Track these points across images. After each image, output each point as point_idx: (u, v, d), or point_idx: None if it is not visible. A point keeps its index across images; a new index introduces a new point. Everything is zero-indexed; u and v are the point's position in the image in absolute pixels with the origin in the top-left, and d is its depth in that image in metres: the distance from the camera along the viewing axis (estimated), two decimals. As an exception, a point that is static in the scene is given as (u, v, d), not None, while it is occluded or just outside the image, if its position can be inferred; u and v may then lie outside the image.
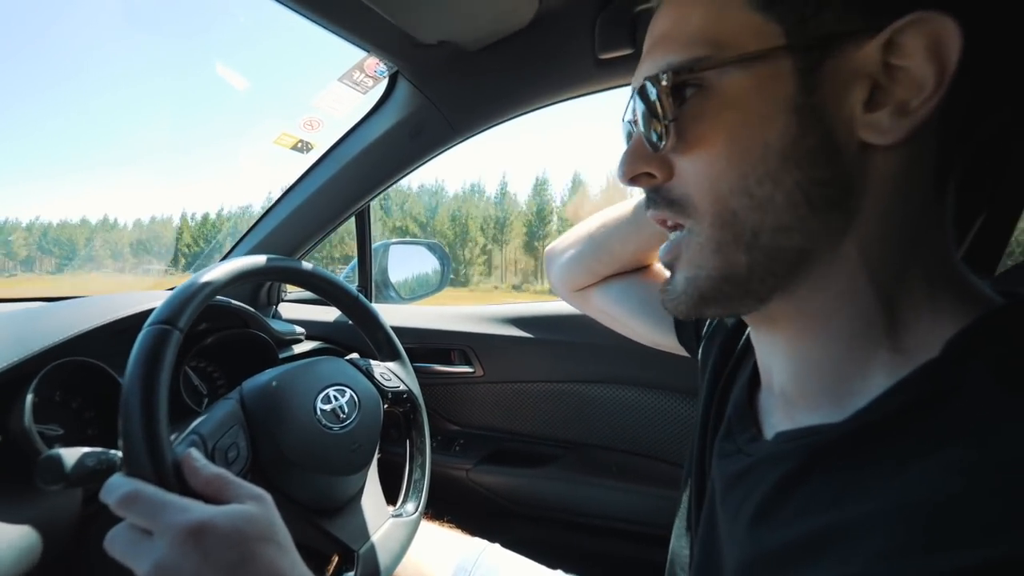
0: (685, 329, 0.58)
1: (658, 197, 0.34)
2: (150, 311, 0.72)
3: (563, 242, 0.69)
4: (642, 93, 0.32)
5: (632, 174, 0.34)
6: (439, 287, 1.43)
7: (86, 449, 0.47)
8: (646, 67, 0.33)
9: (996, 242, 0.71)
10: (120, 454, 0.49)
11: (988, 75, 0.28)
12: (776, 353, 0.35)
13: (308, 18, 0.68)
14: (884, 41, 0.26)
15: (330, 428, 0.61)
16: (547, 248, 0.72)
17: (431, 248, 1.46)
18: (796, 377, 0.34)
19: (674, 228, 0.34)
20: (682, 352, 0.60)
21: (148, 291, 1.04)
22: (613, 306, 0.66)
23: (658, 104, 0.31)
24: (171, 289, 1.11)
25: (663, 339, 0.61)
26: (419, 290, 1.42)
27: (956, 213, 0.30)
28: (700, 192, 0.31)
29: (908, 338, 0.29)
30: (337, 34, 0.72)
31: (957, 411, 0.25)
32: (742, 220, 0.30)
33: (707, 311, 0.33)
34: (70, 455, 0.45)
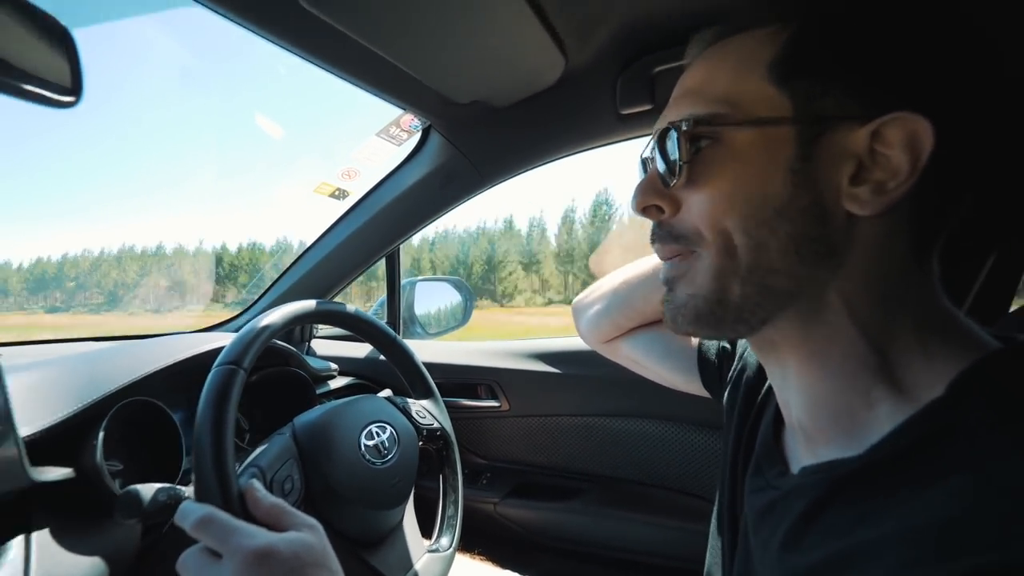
0: (709, 374, 0.61)
1: (663, 232, 0.38)
2: (206, 353, 0.78)
3: (589, 296, 0.73)
4: (664, 135, 0.36)
5: (643, 205, 0.38)
6: (463, 321, 1.47)
7: (158, 485, 0.51)
8: (671, 113, 0.38)
9: (1007, 281, 0.73)
10: (186, 490, 0.53)
11: (958, 167, 0.33)
12: (789, 387, 0.39)
13: (351, 82, 0.75)
14: (872, 130, 0.31)
15: (373, 463, 0.65)
16: (574, 302, 0.76)
17: (455, 284, 1.51)
18: (809, 411, 0.37)
19: (672, 258, 0.39)
20: (706, 394, 0.63)
21: (198, 334, 1.11)
22: (640, 355, 0.69)
23: (676, 147, 0.35)
24: (209, 329, 1.17)
25: (689, 384, 0.64)
26: (444, 325, 1.46)
27: (954, 270, 0.34)
28: (705, 225, 0.35)
29: (906, 378, 0.33)
30: (377, 95, 0.79)
31: (960, 445, 0.28)
32: (740, 255, 0.34)
33: (701, 330, 0.37)
34: (146, 491, 0.49)
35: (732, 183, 0.34)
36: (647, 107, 0.75)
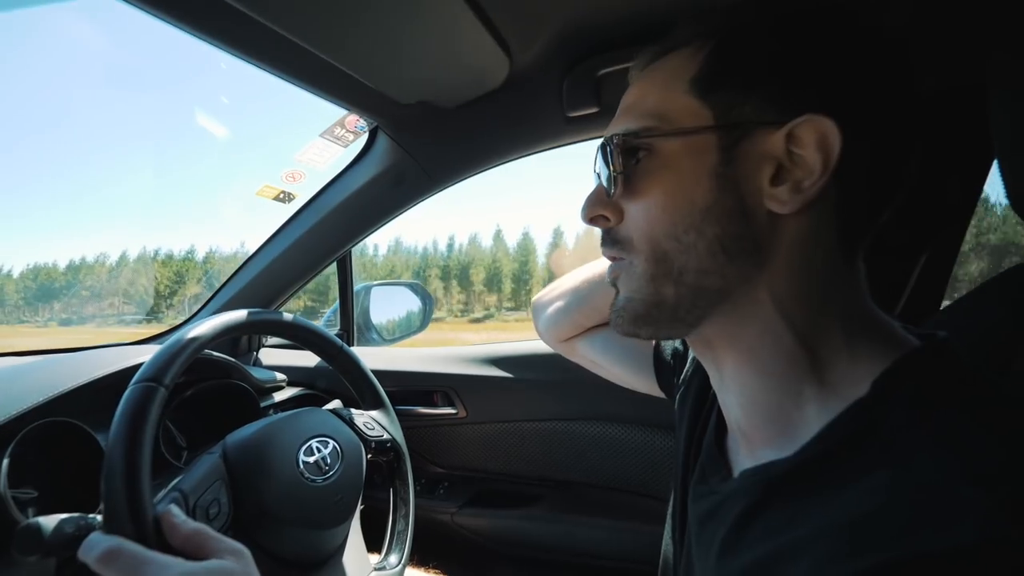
0: (664, 375, 0.61)
1: (608, 238, 0.40)
2: (132, 367, 0.73)
3: (549, 294, 0.73)
4: (604, 149, 0.39)
5: (590, 215, 0.41)
6: (421, 327, 1.44)
7: (64, 516, 0.47)
8: (610, 130, 0.40)
9: (939, 278, 0.76)
10: (99, 518, 0.49)
11: (879, 167, 0.35)
12: (726, 388, 0.40)
13: (289, 82, 0.72)
14: (786, 133, 0.34)
15: (313, 480, 0.62)
16: (534, 299, 0.76)
17: (412, 289, 1.47)
18: (745, 410, 0.38)
19: (616, 260, 0.41)
20: (662, 395, 0.63)
21: (129, 346, 1.04)
22: (598, 355, 0.69)
23: (613, 160, 0.38)
24: (145, 341, 1.10)
25: (645, 384, 0.65)
26: (401, 331, 1.43)
27: (888, 269, 0.35)
28: (639, 233, 0.37)
29: (831, 375, 0.34)
30: (319, 96, 0.76)
31: (881, 443, 0.30)
32: (671, 259, 0.36)
33: (640, 330, 0.39)
34: (48, 523, 0.45)
35: (663, 190, 0.36)
36: (594, 110, 0.75)
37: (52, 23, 31.37)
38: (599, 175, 0.41)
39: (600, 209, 0.40)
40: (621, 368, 0.67)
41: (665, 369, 0.61)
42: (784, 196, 0.34)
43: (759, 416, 0.37)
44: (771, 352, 0.36)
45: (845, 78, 0.34)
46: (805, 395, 0.35)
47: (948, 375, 0.32)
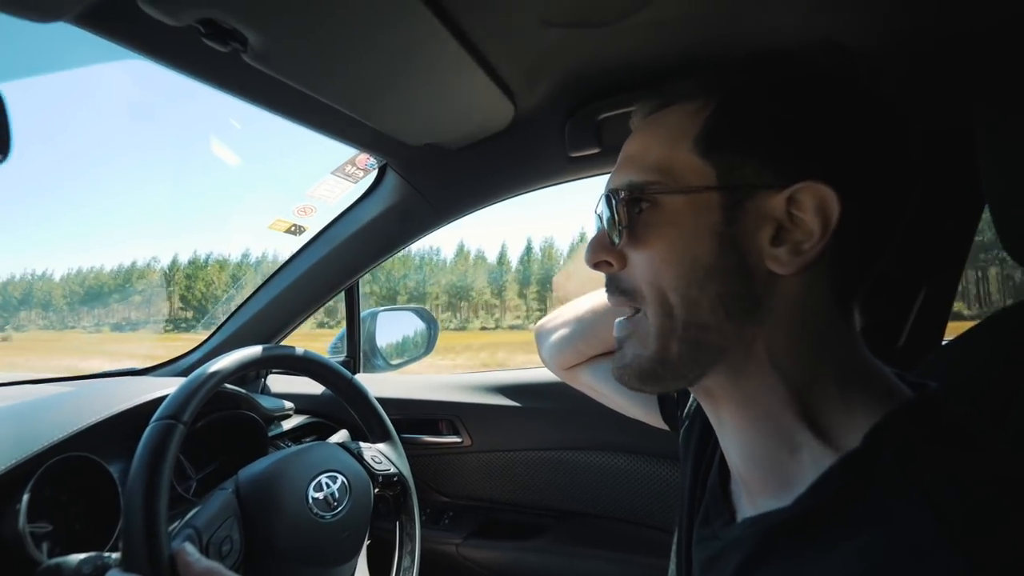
0: (667, 407, 0.62)
1: (613, 284, 0.41)
2: (147, 403, 0.74)
3: (552, 321, 0.74)
4: (608, 201, 0.40)
5: (594, 260, 0.42)
6: (427, 351, 1.45)
7: (82, 556, 0.48)
8: (616, 178, 0.41)
9: (939, 312, 0.77)
10: (114, 555, 0.50)
11: (873, 227, 0.36)
12: (726, 436, 0.41)
13: (305, 127, 0.75)
14: (787, 196, 0.35)
15: (322, 517, 0.63)
16: (536, 325, 0.76)
17: (418, 313, 1.49)
18: (743, 458, 0.39)
19: (635, 312, 0.41)
20: (665, 426, 0.64)
21: (143, 376, 1.06)
22: (601, 384, 0.70)
23: (618, 212, 0.39)
24: (159, 367, 1.12)
25: (649, 415, 0.65)
26: (407, 355, 1.44)
27: (888, 308, 0.36)
28: (645, 284, 0.38)
29: (827, 428, 0.35)
30: (332, 139, 0.79)
31: (870, 502, 0.30)
32: (676, 314, 0.37)
33: (646, 387, 0.40)
34: (68, 564, 0.47)
35: (667, 245, 0.37)
36: (595, 150, 0.77)
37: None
38: (602, 220, 0.42)
39: (604, 255, 0.41)
40: (625, 398, 0.68)
41: (669, 402, 0.62)
42: (784, 257, 0.35)
43: (755, 464, 0.38)
44: (766, 404, 0.37)
45: (843, 145, 0.35)
46: (799, 443, 0.35)
47: (938, 430, 0.32)
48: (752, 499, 0.39)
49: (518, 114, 0.75)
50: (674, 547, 0.51)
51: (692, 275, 0.36)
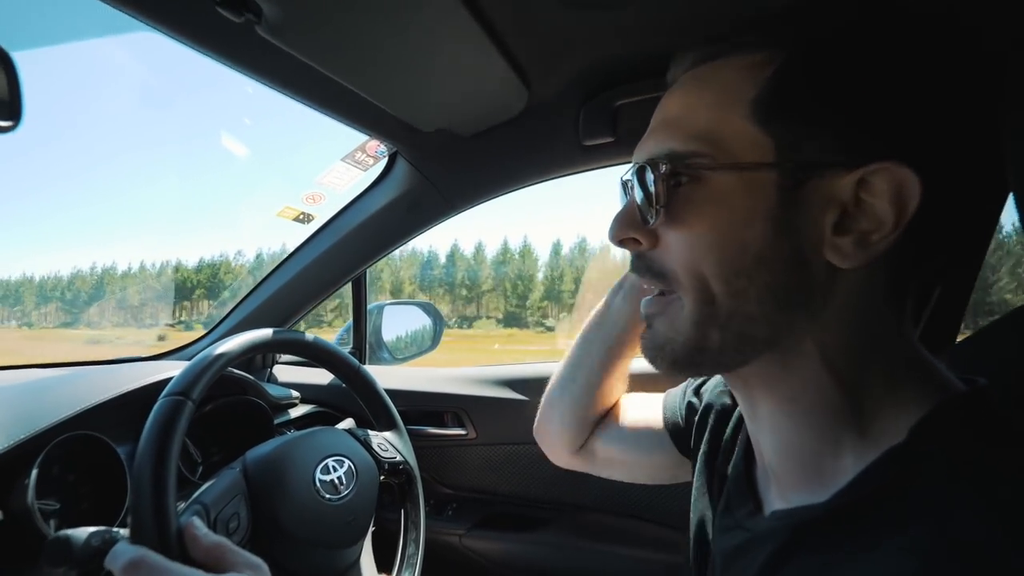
0: (682, 439, 0.57)
1: (642, 264, 0.37)
2: (154, 384, 0.74)
3: (542, 415, 0.68)
4: (642, 173, 0.34)
5: (620, 237, 0.37)
6: (432, 346, 1.45)
7: (91, 529, 0.48)
8: (650, 145, 0.36)
9: (954, 311, 0.76)
10: (123, 531, 0.50)
11: (942, 221, 0.32)
12: (761, 429, 0.38)
13: (315, 109, 0.75)
14: (858, 178, 0.30)
15: (328, 499, 0.63)
16: (535, 429, 0.70)
17: (424, 308, 1.49)
18: (779, 454, 0.37)
19: (660, 293, 0.37)
20: (686, 477, 0.56)
21: (148, 361, 1.06)
22: (615, 446, 0.64)
23: (654, 186, 0.34)
24: (160, 356, 1.13)
25: (667, 460, 0.59)
26: (412, 350, 1.44)
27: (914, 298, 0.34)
28: (683, 269, 0.34)
29: (873, 425, 0.32)
30: (342, 122, 0.79)
31: (917, 496, 0.28)
32: (720, 303, 0.33)
33: (678, 372, 0.37)
34: (77, 536, 0.46)
35: (711, 227, 0.33)
36: (609, 139, 0.76)
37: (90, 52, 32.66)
38: (628, 191, 0.37)
39: (632, 231, 0.36)
40: (640, 449, 0.62)
41: (681, 433, 0.57)
42: (847, 249, 0.31)
43: (793, 461, 0.36)
44: (812, 402, 0.34)
45: (932, 122, 0.30)
46: (844, 444, 0.33)
47: (987, 426, 0.30)
48: (783, 492, 0.37)
49: (532, 100, 0.74)
50: (691, 543, 0.49)
51: (739, 263, 0.32)
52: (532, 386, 1.07)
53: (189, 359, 1.12)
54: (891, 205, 0.29)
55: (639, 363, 0.98)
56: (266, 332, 0.65)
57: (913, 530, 0.26)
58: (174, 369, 0.78)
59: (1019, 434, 0.29)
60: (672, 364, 0.36)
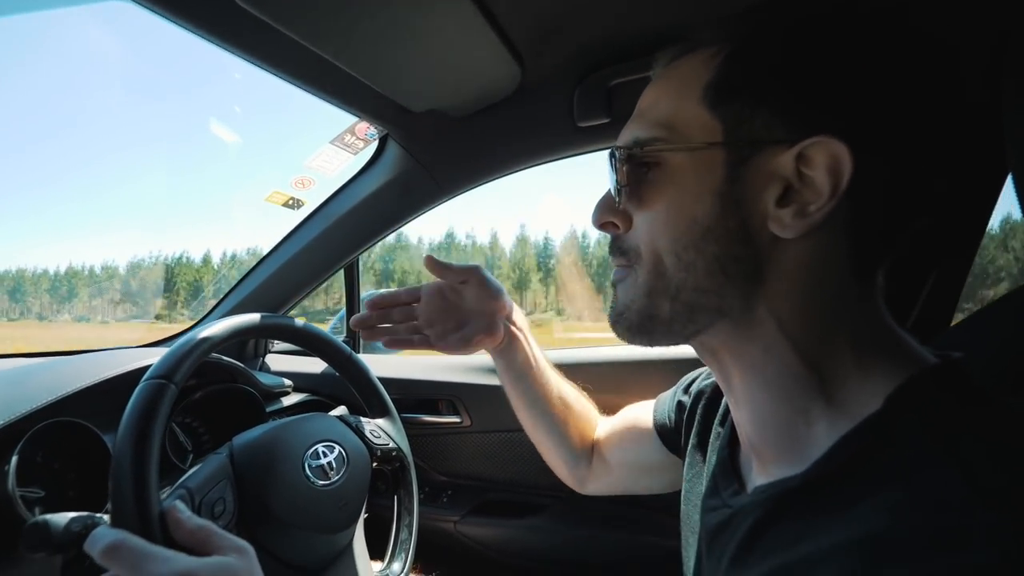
0: (670, 439, 0.58)
1: (615, 246, 0.40)
2: (140, 369, 0.73)
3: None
4: (612, 158, 0.38)
5: (600, 221, 0.40)
6: (426, 335, 1.44)
7: (72, 514, 0.47)
8: (623, 135, 0.39)
9: (949, 295, 0.76)
10: (105, 517, 0.49)
11: (900, 192, 0.33)
12: (736, 403, 0.40)
13: (303, 88, 0.73)
14: (797, 152, 0.32)
15: (318, 484, 0.62)
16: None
17: (418, 296, 1.48)
18: (754, 425, 0.38)
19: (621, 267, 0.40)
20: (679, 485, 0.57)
21: (137, 349, 1.04)
22: (617, 459, 0.66)
23: (621, 169, 0.37)
24: (152, 345, 1.11)
25: (658, 458, 0.61)
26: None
27: (897, 286, 0.34)
28: (644, 246, 0.37)
29: (841, 393, 0.33)
30: (331, 103, 0.77)
31: (892, 459, 0.29)
32: (670, 275, 0.36)
33: (635, 339, 0.39)
34: (56, 521, 0.45)
35: (666, 206, 0.36)
36: (604, 120, 0.75)
37: (68, 26, 31.16)
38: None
39: (609, 216, 0.40)
40: (634, 458, 0.64)
41: (670, 433, 0.58)
42: (787, 219, 0.32)
43: (769, 431, 0.37)
44: (775, 369, 0.35)
45: (867, 94, 0.32)
46: (814, 413, 0.34)
47: (960, 394, 0.31)
48: (764, 468, 0.38)
49: (525, 79, 0.73)
50: (682, 525, 0.50)
51: (689, 237, 0.35)
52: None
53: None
54: (828, 176, 0.31)
55: (635, 351, 1.00)
56: (253, 316, 0.64)
57: (888, 492, 0.28)
58: (158, 355, 0.77)
59: (991, 400, 0.31)
60: (628, 330, 0.39)
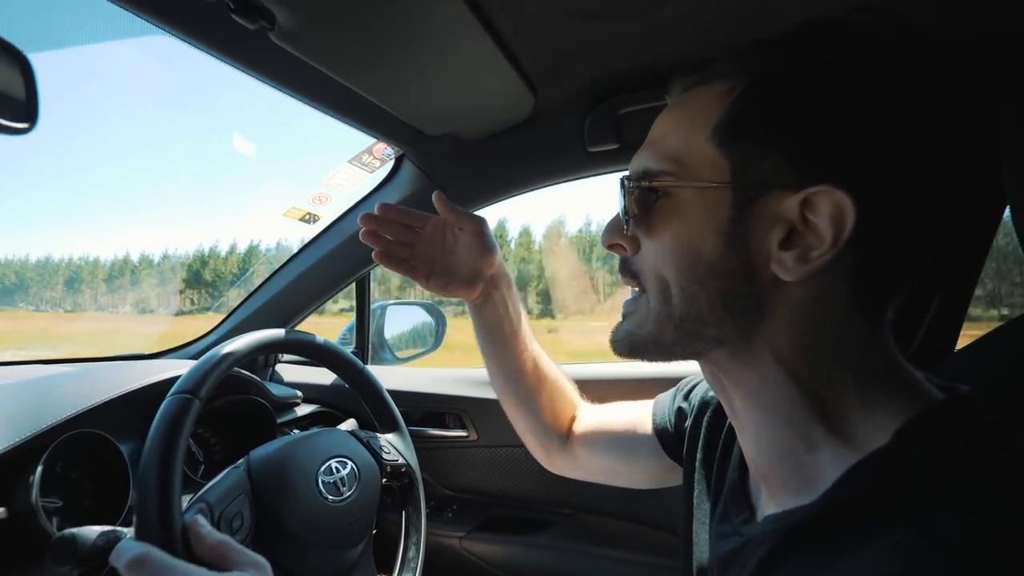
0: (671, 446, 0.59)
1: (624, 267, 0.42)
2: (158, 382, 0.75)
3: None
4: (623, 185, 0.39)
5: (609, 243, 0.42)
6: (435, 346, 1.45)
7: (98, 529, 0.49)
8: (634, 162, 0.40)
9: (954, 319, 0.77)
10: (127, 531, 0.51)
11: (897, 241, 0.33)
12: (740, 427, 0.40)
13: (324, 112, 0.75)
14: (802, 198, 0.33)
15: (331, 501, 0.63)
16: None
17: (427, 309, 1.49)
18: (759, 451, 0.39)
19: (641, 292, 0.41)
20: (677, 480, 0.58)
21: (150, 360, 1.06)
22: (602, 453, 0.66)
23: (630, 198, 0.39)
24: (162, 353, 1.13)
25: (655, 462, 0.61)
26: (414, 350, 1.44)
27: (901, 313, 0.35)
28: (650, 272, 0.38)
29: (845, 425, 0.34)
30: (351, 125, 0.80)
31: (901, 498, 0.29)
32: (674, 305, 0.37)
33: (638, 357, 0.41)
34: (84, 536, 0.47)
35: (672, 238, 0.37)
36: (613, 146, 0.77)
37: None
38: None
39: (617, 238, 0.41)
40: (627, 457, 0.64)
41: (670, 439, 0.58)
42: (789, 263, 0.33)
43: (773, 457, 0.37)
44: (773, 397, 0.36)
45: (872, 146, 0.32)
46: (815, 439, 0.34)
47: (969, 430, 0.31)
48: (774, 497, 0.38)
49: (538, 106, 0.75)
50: (681, 550, 0.50)
51: (694, 271, 0.36)
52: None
53: (191, 358, 1.12)
54: (831, 224, 0.32)
55: (625, 368, 1.01)
56: (274, 332, 0.65)
57: (897, 531, 0.27)
58: (177, 368, 0.78)
59: (1001, 438, 0.31)
60: (630, 349, 0.41)
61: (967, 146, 0.35)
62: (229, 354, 0.58)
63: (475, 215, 0.63)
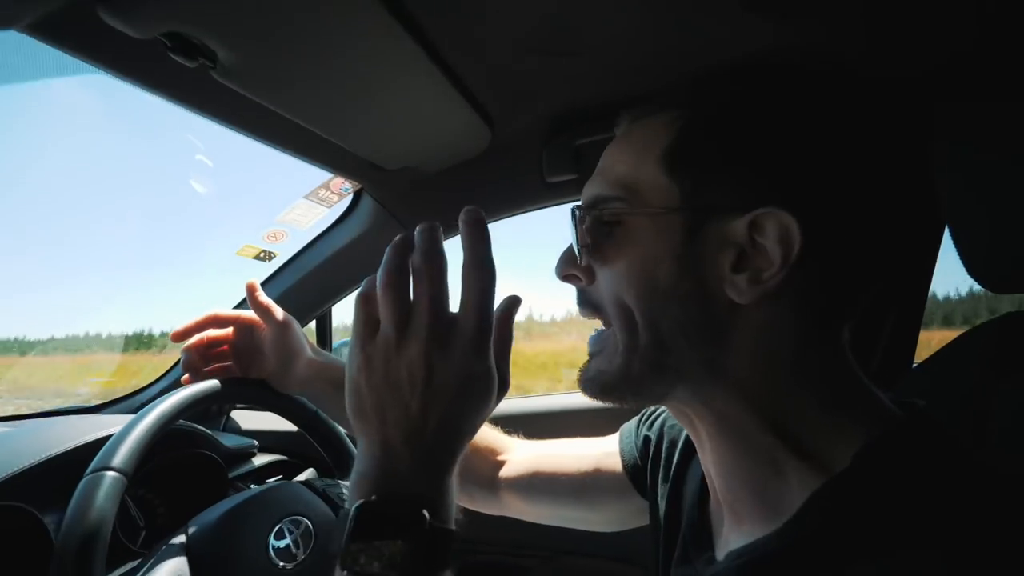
0: (641, 483, 0.55)
1: (582, 298, 0.41)
2: (86, 444, 0.68)
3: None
4: (574, 215, 0.39)
5: (563, 274, 0.41)
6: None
7: None
8: (585, 192, 0.40)
9: (908, 336, 0.79)
10: None
11: (849, 260, 0.34)
12: (706, 456, 0.39)
13: (276, 149, 0.73)
14: (749, 221, 0.33)
15: (281, 567, 0.57)
16: None
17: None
18: (726, 480, 0.38)
19: (606, 326, 0.40)
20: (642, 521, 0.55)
21: (90, 414, 0.98)
22: (550, 504, 0.61)
23: (582, 227, 0.38)
24: (109, 404, 1.05)
25: (625, 504, 0.57)
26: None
27: (859, 330, 0.35)
28: (610, 302, 0.37)
29: (811, 449, 0.33)
30: (305, 161, 0.77)
31: (861, 530, 0.29)
32: (639, 334, 0.36)
33: (606, 398, 0.39)
34: None
35: (628, 264, 0.36)
36: (572, 176, 0.77)
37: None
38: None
39: (571, 269, 0.40)
40: (589, 502, 0.59)
41: (639, 473, 0.54)
42: (742, 285, 0.33)
43: (740, 485, 0.36)
44: (739, 425, 0.35)
45: (816, 168, 0.33)
46: (781, 464, 0.34)
47: (929, 451, 0.32)
48: (738, 524, 0.37)
49: (496, 139, 0.75)
50: None
51: (652, 299, 0.35)
52: (507, 425, 1.04)
53: (135, 410, 1.04)
54: (778, 245, 0.32)
55: (577, 399, 0.99)
56: (211, 383, 0.61)
57: (862, 563, 0.27)
58: (113, 426, 0.71)
59: (959, 457, 0.31)
60: (602, 390, 0.39)
61: (902, 168, 0.36)
62: (160, 415, 0.53)
63: (281, 319, 0.63)
